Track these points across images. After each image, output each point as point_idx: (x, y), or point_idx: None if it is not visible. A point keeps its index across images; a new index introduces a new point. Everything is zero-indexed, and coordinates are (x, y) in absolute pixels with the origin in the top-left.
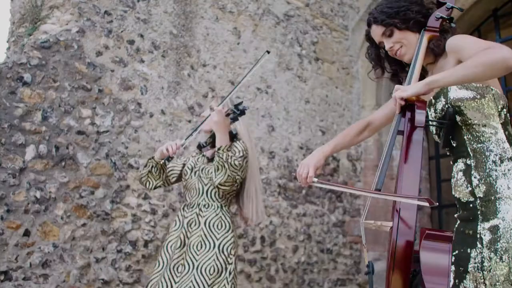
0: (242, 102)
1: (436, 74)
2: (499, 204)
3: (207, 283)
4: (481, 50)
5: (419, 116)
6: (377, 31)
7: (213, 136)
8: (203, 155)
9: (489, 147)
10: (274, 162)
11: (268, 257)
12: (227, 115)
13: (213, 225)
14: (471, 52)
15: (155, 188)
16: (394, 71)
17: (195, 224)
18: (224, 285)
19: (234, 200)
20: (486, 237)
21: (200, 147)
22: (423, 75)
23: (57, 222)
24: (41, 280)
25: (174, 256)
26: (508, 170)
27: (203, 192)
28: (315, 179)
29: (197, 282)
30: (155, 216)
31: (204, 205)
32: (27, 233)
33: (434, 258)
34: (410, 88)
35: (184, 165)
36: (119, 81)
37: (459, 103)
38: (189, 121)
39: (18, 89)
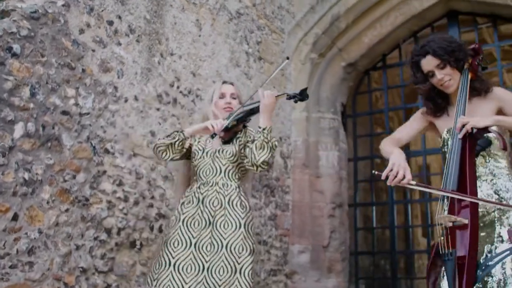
0: (307, 88)
1: (501, 116)
2: None
3: (237, 261)
4: None
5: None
6: (432, 62)
7: (240, 119)
8: (212, 137)
9: None
10: None
11: None
12: (290, 98)
13: (236, 205)
14: None
15: (171, 159)
16: (433, 97)
17: (218, 203)
18: (253, 265)
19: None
20: None
21: (213, 136)
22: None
23: (42, 206)
24: (27, 268)
25: (200, 234)
26: None
27: (221, 171)
28: (413, 182)
29: (228, 261)
30: (127, 204)
31: (223, 184)
32: (15, 218)
33: None
34: (483, 121)
35: (190, 146)
36: (99, 62)
37: None
38: (158, 109)
39: (7, 60)
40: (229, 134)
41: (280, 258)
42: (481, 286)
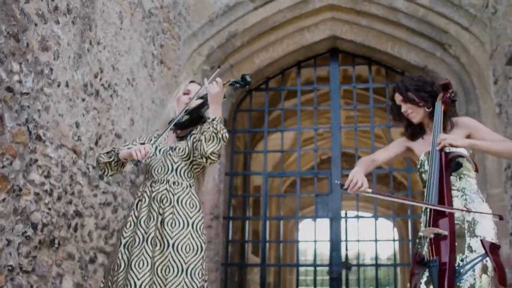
0: (248, 74)
1: (474, 139)
2: None
3: (184, 261)
4: (507, 140)
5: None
6: (399, 97)
7: (191, 113)
8: (136, 165)
9: None
10: None
11: None
12: (231, 84)
13: (185, 204)
14: (486, 135)
15: (111, 176)
16: (408, 125)
17: (167, 201)
18: (201, 264)
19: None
20: None
21: (137, 164)
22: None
23: None
24: None
25: (149, 230)
26: None
27: (172, 170)
28: (369, 190)
29: (174, 261)
30: (52, 198)
31: (174, 182)
32: None
33: None
34: (459, 141)
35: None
36: (39, 38)
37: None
38: (83, 100)
39: None
40: (186, 132)
41: None
42: None
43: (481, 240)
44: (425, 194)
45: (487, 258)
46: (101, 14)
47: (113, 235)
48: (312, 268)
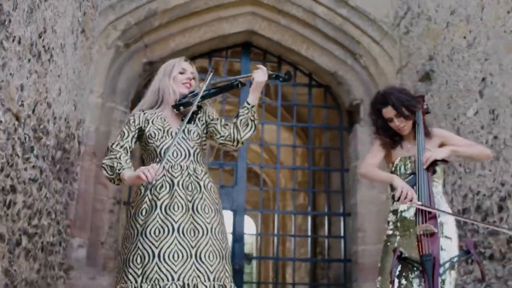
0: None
1: (455, 146)
2: None
3: (222, 247)
4: (476, 144)
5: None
6: (392, 112)
7: (209, 95)
8: (147, 188)
9: None
10: None
11: None
12: (276, 77)
13: (210, 189)
14: (458, 142)
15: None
16: (391, 137)
17: (194, 187)
18: (228, 250)
19: None
20: None
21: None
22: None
23: None
24: None
25: (182, 219)
26: None
27: (190, 154)
28: (419, 202)
29: (215, 246)
30: None
31: (194, 169)
32: None
33: None
34: (440, 152)
35: (140, 127)
36: None
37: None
38: (29, 60)
39: None
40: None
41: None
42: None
43: (469, 240)
44: (417, 194)
45: (456, 258)
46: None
47: (35, 215)
48: None
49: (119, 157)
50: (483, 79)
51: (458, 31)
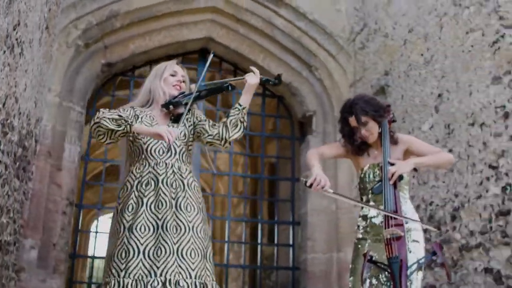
0: (281, 74)
1: (418, 158)
2: None
3: (204, 245)
4: (439, 151)
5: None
6: (355, 122)
7: (199, 97)
8: (168, 149)
9: None
10: None
11: None
12: (266, 81)
13: (194, 188)
14: (421, 147)
15: (105, 144)
16: (359, 145)
17: (178, 185)
18: (210, 249)
19: None
20: None
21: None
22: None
23: None
24: None
25: (165, 216)
26: None
27: (175, 153)
28: (330, 190)
29: (197, 244)
30: None
31: (179, 167)
32: None
33: None
34: (404, 166)
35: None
36: None
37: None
38: (4, 52)
39: None
40: (178, 112)
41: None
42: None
43: (435, 242)
44: (383, 201)
45: (423, 259)
46: None
47: None
48: None
49: (120, 113)
50: (440, 95)
51: (416, 48)
